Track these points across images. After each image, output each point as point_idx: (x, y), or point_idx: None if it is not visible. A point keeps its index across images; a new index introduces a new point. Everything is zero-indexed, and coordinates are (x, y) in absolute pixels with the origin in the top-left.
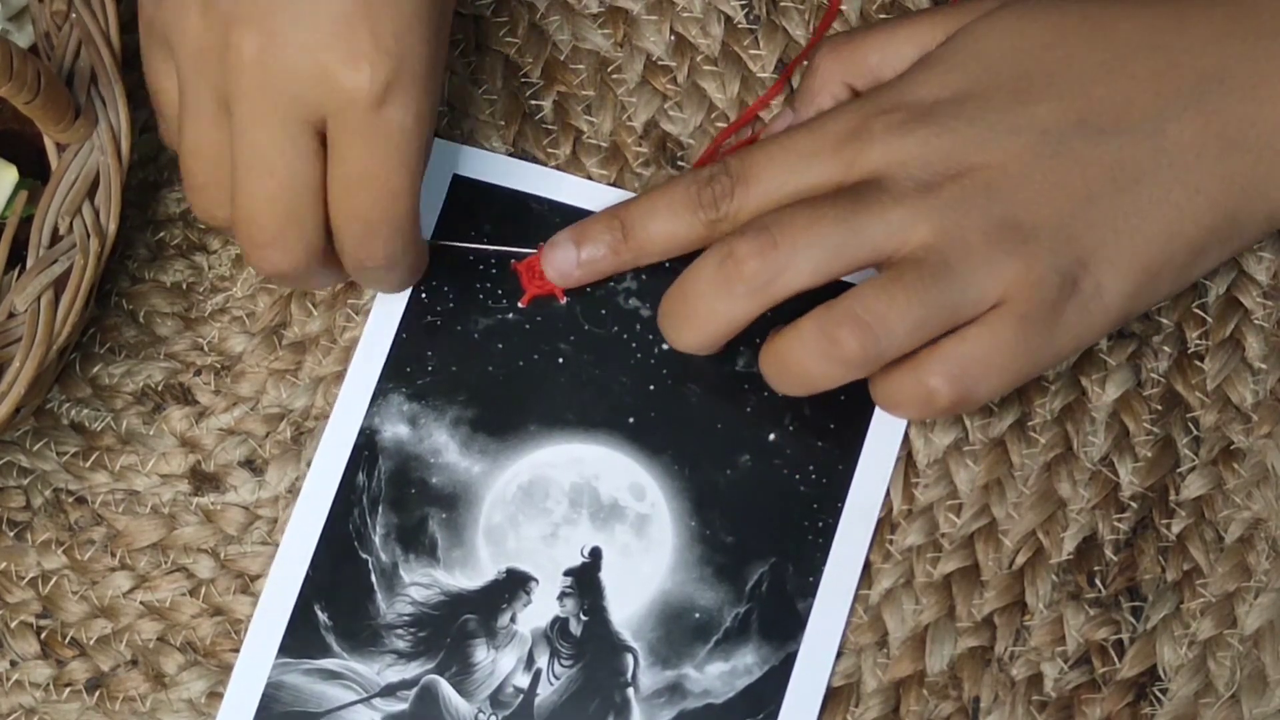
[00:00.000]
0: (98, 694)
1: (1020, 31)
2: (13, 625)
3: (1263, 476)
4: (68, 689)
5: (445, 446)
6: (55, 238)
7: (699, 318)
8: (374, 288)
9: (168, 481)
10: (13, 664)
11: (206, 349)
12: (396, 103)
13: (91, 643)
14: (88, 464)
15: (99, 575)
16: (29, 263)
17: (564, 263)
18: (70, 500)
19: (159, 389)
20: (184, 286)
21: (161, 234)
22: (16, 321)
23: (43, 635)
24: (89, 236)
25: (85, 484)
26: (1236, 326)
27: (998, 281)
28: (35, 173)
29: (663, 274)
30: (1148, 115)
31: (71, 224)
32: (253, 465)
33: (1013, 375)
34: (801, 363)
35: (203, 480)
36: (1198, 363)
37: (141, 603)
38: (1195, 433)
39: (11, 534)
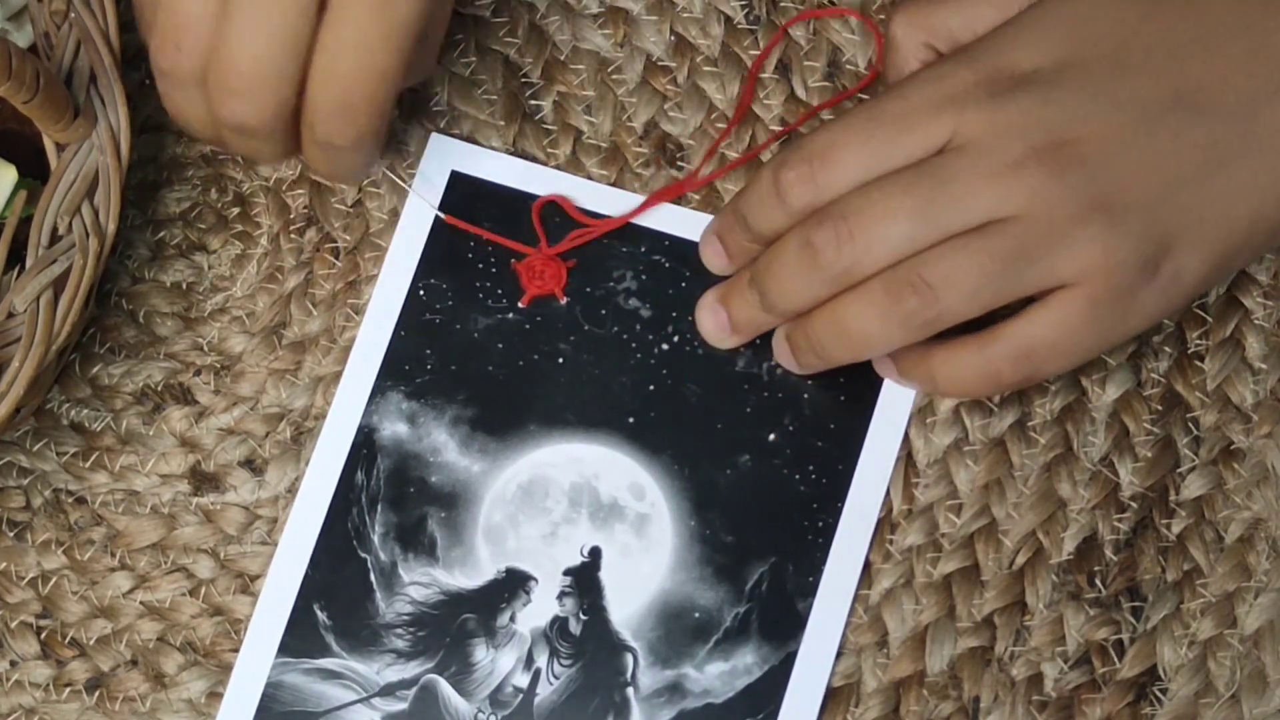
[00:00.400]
0: (98, 694)
1: (1117, 2)
2: (13, 625)
3: (1263, 476)
4: (68, 689)
5: (444, 445)
6: (54, 237)
7: (781, 296)
8: (324, 171)
9: (168, 481)
10: (13, 664)
11: (206, 349)
12: None
13: (91, 643)
14: (88, 464)
15: (99, 575)
16: (28, 263)
17: (718, 260)
18: (70, 500)
19: (159, 389)
20: (184, 286)
21: (161, 234)
22: (16, 322)
23: (43, 635)
24: (88, 236)
25: (85, 484)
26: (1236, 326)
27: (1077, 264)
28: (34, 172)
29: (663, 274)
30: (1241, 97)
31: (71, 224)
32: (253, 465)
33: (1080, 357)
34: (861, 319)
35: (203, 480)
36: (1198, 363)
37: (141, 603)
38: (1195, 433)
39: (11, 534)
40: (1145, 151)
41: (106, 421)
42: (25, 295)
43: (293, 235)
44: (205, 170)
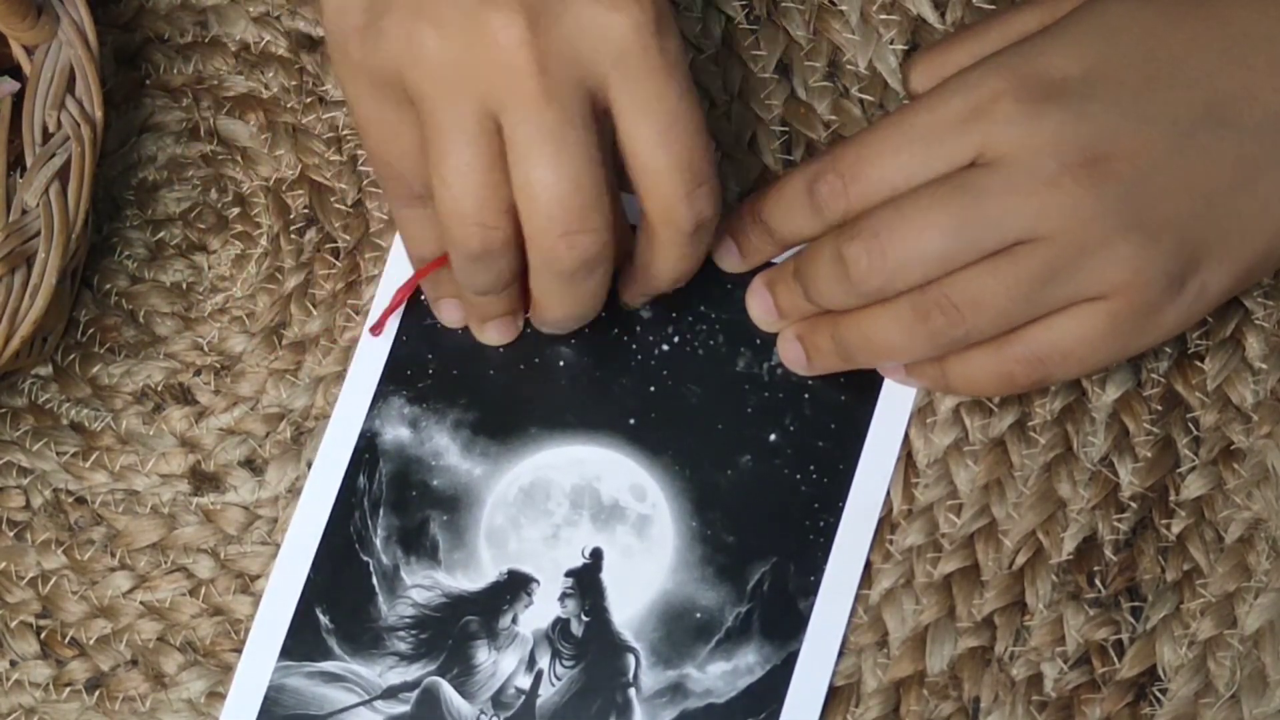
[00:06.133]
0: (98, 694)
1: (1143, 13)
2: (13, 625)
3: (1263, 476)
4: (68, 689)
5: (446, 449)
6: (46, 135)
7: (818, 296)
8: (693, 262)
9: (168, 481)
10: (13, 664)
11: (206, 349)
12: (667, 30)
13: (91, 643)
14: (88, 464)
15: (99, 575)
16: (28, 162)
17: (729, 257)
18: (70, 500)
19: (159, 389)
20: (184, 286)
21: (161, 234)
22: (31, 217)
23: (43, 635)
24: (79, 125)
25: (85, 484)
26: (1237, 327)
27: (1104, 281)
28: None
29: None
30: (1269, 111)
31: (59, 119)
32: (253, 465)
33: (1095, 366)
34: (887, 333)
35: (203, 480)
36: (1198, 363)
37: (141, 603)
38: (1195, 433)
39: (11, 534)
40: (1177, 168)
41: (106, 421)
42: (35, 190)
43: (293, 235)
44: (205, 170)
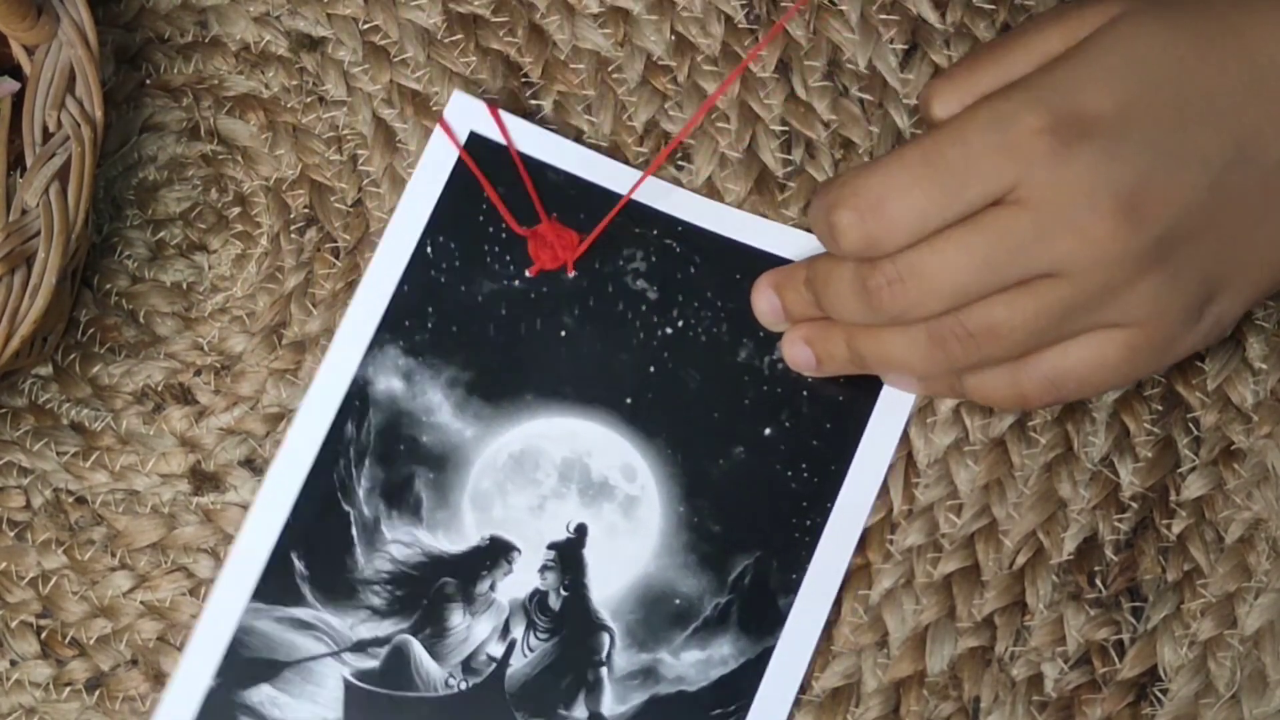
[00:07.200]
0: (98, 694)
1: (1171, 40)
2: (13, 625)
3: (1263, 477)
4: (68, 689)
5: (439, 406)
6: (47, 135)
7: (834, 312)
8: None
9: (168, 481)
10: (13, 664)
11: (206, 349)
12: None
13: (91, 642)
14: (88, 464)
15: (99, 575)
16: (28, 162)
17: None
18: (70, 500)
19: (159, 389)
20: (184, 286)
21: (161, 234)
22: (31, 217)
23: (43, 635)
24: (80, 126)
25: (85, 484)
26: (1237, 327)
27: (1124, 315)
28: None
29: (672, 258)
30: None
31: (59, 118)
32: (253, 465)
33: (1110, 388)
34: (906, 355)
35: (203, 480)
36: (1198, 363)
37: (141, 602)
38: (1195, 433)
39: (11, 534)
40: (1205, 208)
41: (106, 421)
42: (35, 190)
43: (293, 235)
44: (205, 170)
